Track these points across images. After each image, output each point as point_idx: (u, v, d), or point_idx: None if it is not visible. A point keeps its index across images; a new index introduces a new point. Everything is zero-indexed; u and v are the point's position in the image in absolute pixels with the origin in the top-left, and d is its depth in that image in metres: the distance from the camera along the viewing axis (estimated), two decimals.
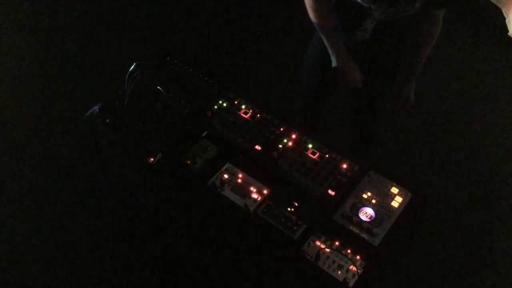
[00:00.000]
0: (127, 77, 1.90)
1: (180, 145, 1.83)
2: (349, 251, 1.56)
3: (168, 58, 2.12)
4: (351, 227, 1.63)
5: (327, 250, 1.57)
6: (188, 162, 1.78)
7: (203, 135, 1.87)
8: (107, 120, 1.88)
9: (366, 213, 1.65)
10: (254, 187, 1.72)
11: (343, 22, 2.00)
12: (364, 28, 1.94)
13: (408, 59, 2.06)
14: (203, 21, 3.79)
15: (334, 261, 1.54)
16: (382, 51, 2.08)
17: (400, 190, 1.72)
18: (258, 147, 1.84)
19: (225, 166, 1.78)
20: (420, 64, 2.03)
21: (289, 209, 1.66)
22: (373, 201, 1.69)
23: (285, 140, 1.86)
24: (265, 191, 1.71)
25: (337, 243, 1.58)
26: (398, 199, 1.70)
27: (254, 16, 3.79)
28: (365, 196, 1.70)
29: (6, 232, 2.62)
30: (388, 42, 2.04)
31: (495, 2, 3.77)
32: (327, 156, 1.81)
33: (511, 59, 3.62)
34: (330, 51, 2.03)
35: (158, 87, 1.93)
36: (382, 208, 1.67)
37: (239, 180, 1.74)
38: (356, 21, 1.93)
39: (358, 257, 1.55)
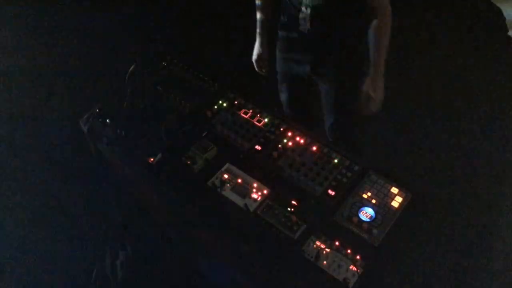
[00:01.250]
0: (127, 77, 1.90)
1: (180, 145, 1.83)
2: (349, 251, 1.56)
3: (168, 58, 2.12)
4: (351, 227, 1.63)
5: (327, 250, 1.57)
6: (188, 162, 1.78)
7: (203, 135, 1.87)
8: (107, 120, 1.88)
9: (366, 213, 1.65)
10: (254, 187, 1.72)
11: (287, 14, 2.09)
12: (304, 16, 2.00)
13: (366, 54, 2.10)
14: (203, 21, 3.79)
15: (334, 261, 1.54)
16: (327, 42, 2.11)
17: (400, 190, 1.72)
18: (258, 147, 1.84)
19: (225, 166, 1.78)
20: (374, 57, 2.03)
21: (289, 209, 1.66)
22: (373, 201, 1.69)
23: (285, 140, 1.86)
24: (265, 191, 1.71)
25: (337, 243, 1.58)
26: (398, 199, 1.70)
27: (255, 16, 3.79)
28: (365, 196, 1.71)
29: (5, 231, 2.62)
30: (330, 32, 2.07)
31: (495, 2, 3.77)
32: (327, 156, 1.81)
33: (511, 59, 3.62)
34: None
35: (158, 87, 1.93)
36: (382, 208, 1.67)
37: (239, 180, 1.74)
38: (295, 9, 2.01)
39: (358, 257, 1.55)
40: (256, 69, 2.46)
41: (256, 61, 2.41)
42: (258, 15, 2.29)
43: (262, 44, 2.36)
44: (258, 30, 2.33)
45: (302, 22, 2.02)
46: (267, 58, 2.40)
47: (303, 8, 1.98)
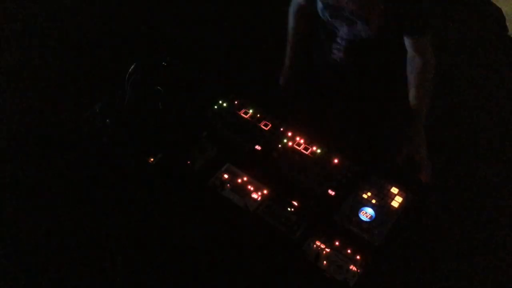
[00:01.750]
0: (127, 77, 1.90)
1: (180, 145, 1.83)
2: (349, 251, 1.56)
3: (168, 58, 2.12)
4: (351, 227, 1.63)
5: (327, 250, 1.57)
6: (188, 162, 1.78)
7: (203, 135, 1.87)
8: (107, 120, 1.88)
9: (366, 213, 1.65)
10: (254, 187, 1.72)
11: (321, 40, 2.01)
12: (338, 47, 1.91)
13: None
14: (203, 21, 3.78)
15: (334, 261, 1.54)
16: (359, 74, 2.02)
17: (400, 190, 1.72)
18: (258, 147, 1.84)
19: (225, 166, 1.78)
20: (413, 107, 1.86)
21: (289, 209, 1.66)
22: (373, 201, 1.69)
23: (285, 140, 1.86)
24: (265, 191, 1.71)
25: (337, 243, 1.58)
26: (398, 199, 1.70)
27: (255, 15, 3.79)
28: (365, 196, 1.71)
29: (4, 233, 2.62)
30: (363, 66, 1.97)
31: (495, 2, 3.77)
32: (327, 156, 1.81)
33: (511, 59, 3.62)
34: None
35: (158, 87, 1.93)
36: (382, 208, 1.67)
37: (239, 180, 1.74)
38: (330, 38, 1.93)
39: (358, 257, 1.55)
40: (282, 93, 2.29)
41: (284, 87, 2.27)
42: (290, 39, 2.15)
43: (291, 69, 2.21)
44: (288, 55, 2.19)
45: (335, 51, 1.94)
46: (295, 83, 2.25)
47: (338, 39, 1.89)
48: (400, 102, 1.96)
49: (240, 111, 1.95)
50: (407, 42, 1.80)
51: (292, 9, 2.07)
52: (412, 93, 1.87)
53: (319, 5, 1.84)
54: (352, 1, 1.73)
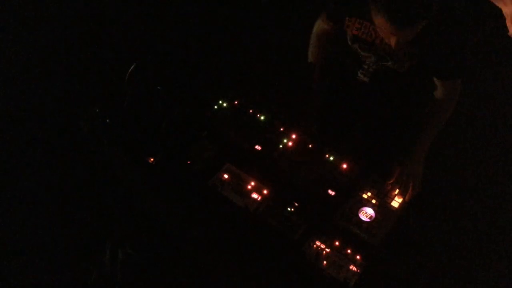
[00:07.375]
0: (127, 77, 1.90)
1: (180, 145, 1.83)
2: (349, 251, 1.56)
3: (168, 58, 2.12)
4: (351, 227, 1.63)
5: (327, 250, 1.57)
6: (188, 162, 1.78)
7: (203, 135, 1.87)
8: (107, 120, 1.88)
9: (366, 213, 1.66)
10: (254, 187, 1.72)
11: (346, 62, 1.99)
12: (364, 72, 1.91)
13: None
14: (203, 21, 3.79)
15: (334, 261, 1.55)
16: (381, 98, 2.03)
17: (400, 190, 1.72)
18: (258, 147, 1.84)
19: (225, 166, 1.78)
20: (423, 135, 1.89)
21: (289, 209, 1.66)
22: (373, 201, 1.69)
23: (285, 140, 1.86)
24: (265, 191, 1.71)
25: (337, 243, 1.58)
26: (398, 199, 1.70)
27: (255, 15, 3.79)
28: (365, 196, 1.71)
29: (5, 232, 2.62)
30: (386, 92, 1.98)
31: (495, 2, 3.76)
32: (327, 156, 1.81)
33: (511, 59, 3.61)
34: None
35: (158, 87, 1.93)
36: (382, 208, 1.67)
37: (239, 180, 1.74)
38: (356, 63, 1.91)
39: (358, 257, 1.55)
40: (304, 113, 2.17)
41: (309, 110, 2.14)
42: (311, 61, 2.07)
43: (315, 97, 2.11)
44: (313, 82, 2.10)
45: (360, 75, 1.92)
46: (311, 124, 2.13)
47: (365, 66, 1.88)
48: (413, 120, 2.01)
49: (240, 111, 1.95)
50: (438, 82, 1.80)
51: (315, 32, 2.00)
52: (427, 123, 1.89)
53: (349, 34, 1.81)
54: (388, 43, 1.69)
